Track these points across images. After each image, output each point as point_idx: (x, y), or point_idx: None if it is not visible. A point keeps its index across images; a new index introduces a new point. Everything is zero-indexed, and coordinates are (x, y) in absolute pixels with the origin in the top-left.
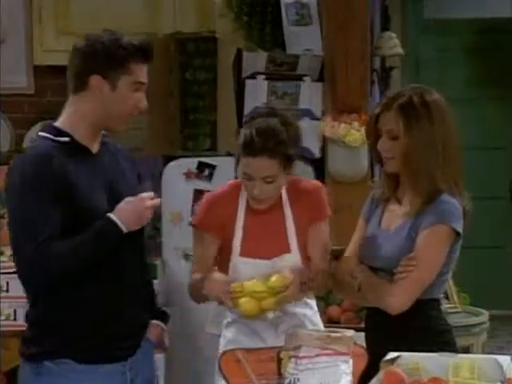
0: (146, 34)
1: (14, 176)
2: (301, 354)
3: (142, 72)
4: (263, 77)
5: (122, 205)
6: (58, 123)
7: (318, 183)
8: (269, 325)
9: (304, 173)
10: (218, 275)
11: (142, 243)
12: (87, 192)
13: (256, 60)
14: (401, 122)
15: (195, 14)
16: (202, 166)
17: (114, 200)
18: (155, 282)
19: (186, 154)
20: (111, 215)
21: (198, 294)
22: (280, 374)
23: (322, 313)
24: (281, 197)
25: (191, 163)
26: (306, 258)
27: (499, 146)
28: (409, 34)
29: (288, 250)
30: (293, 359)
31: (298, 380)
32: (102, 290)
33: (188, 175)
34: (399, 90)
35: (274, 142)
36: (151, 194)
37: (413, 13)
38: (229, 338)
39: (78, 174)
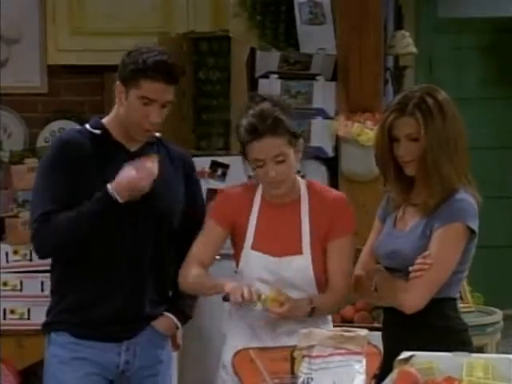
0: (159, 34)
1: (46, 153)
2: (314, 354)
3: (151, 89)
4: (276, 76)
5: (120, 173)
6: (104, 118)
7: (343, 195)
8: (265, 325)
9: (317, 172)
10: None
11: (175, 239)
12: (95, 177)
13: (269, 59)
14: (421, 122)
15: (208, 13)
16: (215, 166)
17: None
18: None
19: (198, 154)
20: (108, 185)
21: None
22: (293, 374)
23: (336, 312)
24: (299, 192)
25: (204, 163)
26: (320, 263)
27: None
28: (422, 32)
29: (299, 252)
30: (306, 358)
31: (312, 379)
32: (91, 273)
33: (201, 175)
34: (406, 93)
35: (272, 120)
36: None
37: (426, 11)
38: (230, 336)
39: (93, 164)
